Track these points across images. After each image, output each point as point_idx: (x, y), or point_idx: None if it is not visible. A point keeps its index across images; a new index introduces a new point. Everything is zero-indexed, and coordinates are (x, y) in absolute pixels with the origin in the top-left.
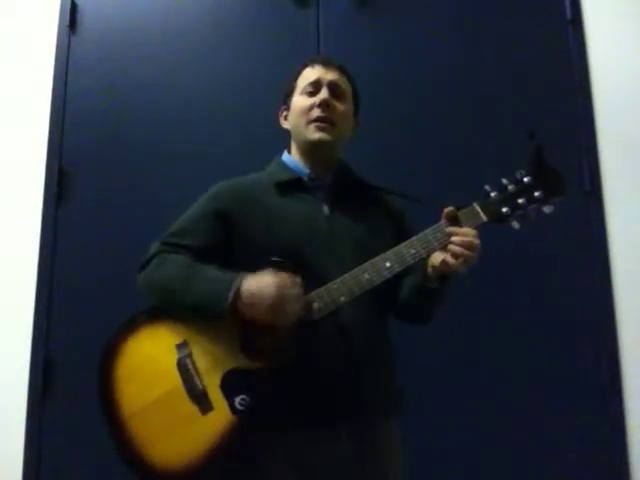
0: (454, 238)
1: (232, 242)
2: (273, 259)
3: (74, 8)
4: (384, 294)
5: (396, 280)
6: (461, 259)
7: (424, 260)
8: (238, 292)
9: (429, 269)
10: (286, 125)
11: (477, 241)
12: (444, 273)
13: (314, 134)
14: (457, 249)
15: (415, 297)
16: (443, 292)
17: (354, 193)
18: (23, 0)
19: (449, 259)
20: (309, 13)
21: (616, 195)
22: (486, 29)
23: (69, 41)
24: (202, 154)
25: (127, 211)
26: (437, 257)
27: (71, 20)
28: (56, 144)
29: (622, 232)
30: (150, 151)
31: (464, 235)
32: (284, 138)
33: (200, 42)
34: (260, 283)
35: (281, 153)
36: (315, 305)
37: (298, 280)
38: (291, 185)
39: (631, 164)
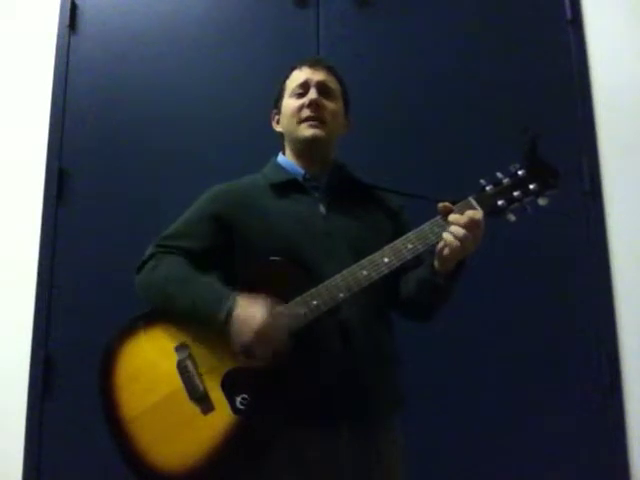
0: (450, 217)
1: (230, 244)
2: (272, 258)
3: (74, 8)
4: (384, 291)
5: (395, 276)
6: (456, 241)
7: (432, 257)
8: (232, 310)
9: (436, 263)
10: (278, 128)
11: (473, 220)
12: (448, 259)
13: (307, 131)
14: (455, 229)
15: (422, 293)
16: (450, 290)
17: (350, 192)
18: (23, 0)
19: (447, 236)
20: (309, 13)
21: (616, 195)
22: (486, 29)
23: (69, 41)
24: (202, 154)
25: (127, 211)
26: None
27: (71, 20)
28: (56, 144)
29: (622, 232)
30: (150, 151)
31: (460, 216)
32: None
33: (200, 42)
34: (248, 313)
35: (276, 155)
36: (313, 304)
37: (285, 316)
38: (287, 186)
39: (631, 164)
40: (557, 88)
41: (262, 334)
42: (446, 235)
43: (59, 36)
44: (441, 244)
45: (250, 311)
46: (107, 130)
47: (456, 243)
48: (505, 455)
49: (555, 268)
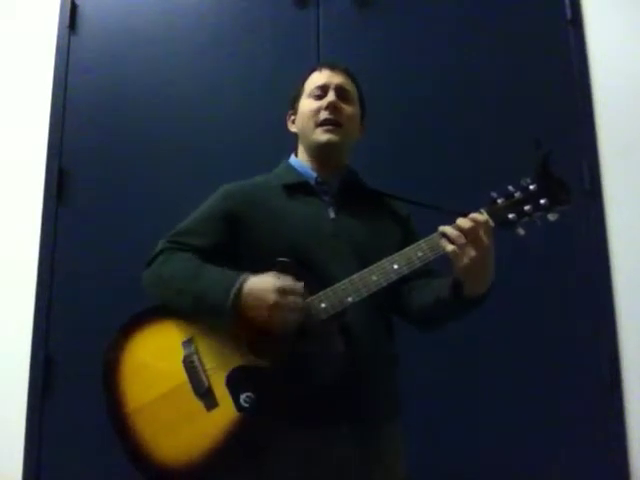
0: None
1: (239, 243)
2: (279, 260)
3: (74, 8)
4: (388, 296)
5: (401, 282)
6: (455, 248)
7: (452, 277)
8: (240, 291)
9: (465, 288)
10: (293, 129)
11: (470, 224)
12: (462, 273)
13: (322, 136)
14: (451, 231)
15: (437, 312)
16: (468, 313)
17: (360, 198)
18: (23, 0)
19: (447, 246)
20: (309, 13)
21: (616, 195)
22: (486, 29)
23: (69, 41)
24: (202, 154)
25: (127, 211)
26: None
27: (71, 20)
28: (56, 144)
29: (622, 232)
30: (150, 151)
31: (461, 219)
32: (284, 138)
33: (200, 42)
34: (262, 285)
35: (289, 156)
36: (321, 307)
37: (300, 285)
38: (298, 188)
39: (631, 164)
40: (557, 88)
41: (280, 300)
42: (448, 246)
43: (59, 36)
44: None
45: (263, 282)
46: (107, 130)
47: (455, 252)
48: (505, 454)
49: (555, 268)
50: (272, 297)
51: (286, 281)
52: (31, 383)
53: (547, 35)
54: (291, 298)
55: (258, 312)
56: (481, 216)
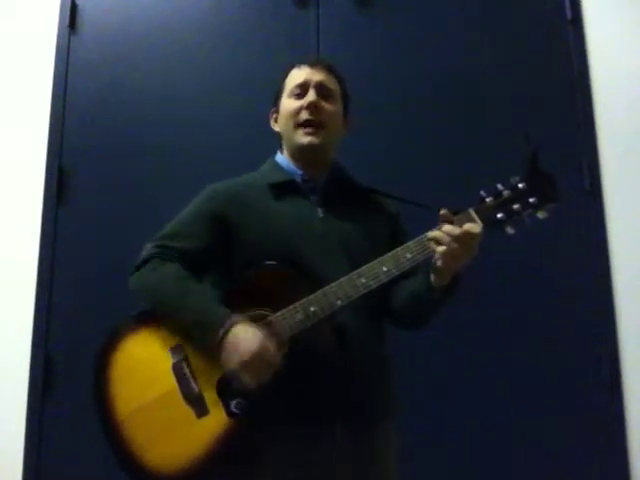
0: (444, 228)
1: (228, 244)
2: (267, 263)
3: (74, 8)
4: (379, 297)
5: (390, 284)
6: (447, 249)
7: (426, 270)
8: (225, 336)
9: (432, 277)
10: (276, 128)
11: (468, 232)
12: (443, 269)
13: (303, 138)
14: (441, 235)
15: (415, 306)
16: (445, 304)
17: (348, 195)
18: (23, 0)
19: (437, 247)
20: (309, 13)
21: (616, 195)
22: (486, 29)
23: (69, 41)
24: (201, 154)
25: (127, 211)
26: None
27: (71, 20)
28: (56, 144)
29: (622, 232)
30: (150, 151)
31: (453, 227)
32: None
33: (200, 42)
34: (246, 340)
35: (274, 154)
36: (310, 310)
37: (279, 353)
38: (285, 187)
39: (631, 164)
40: (557, 88)
41: (249, 367)
42: (438, 248)
43: (59, 36)
44: (435, 255)
45: (241, 342)
46: (107, 130)
47: (446, 255)
48: (505, 455)
49: (555, 268)
50: (247, 356)
51: (267, 345)
52: (31, 383)
53: (547, 35)
54: (263, 365)
55: (231, 359)
56: (476, 227)
